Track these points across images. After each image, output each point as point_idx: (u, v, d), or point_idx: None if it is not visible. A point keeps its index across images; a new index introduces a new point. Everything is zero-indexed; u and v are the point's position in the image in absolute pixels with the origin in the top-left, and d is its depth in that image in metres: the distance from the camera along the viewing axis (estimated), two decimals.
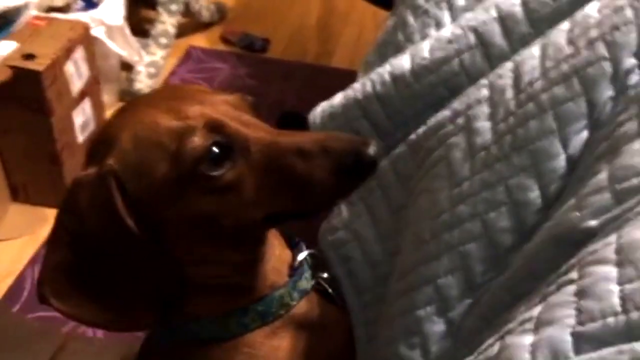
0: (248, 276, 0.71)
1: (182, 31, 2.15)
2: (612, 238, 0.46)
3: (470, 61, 0.77)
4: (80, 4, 1.73)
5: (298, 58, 2.18)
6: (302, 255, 0.77)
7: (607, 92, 0.60)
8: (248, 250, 0.71)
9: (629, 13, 0.61)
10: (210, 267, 0.69)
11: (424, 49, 0.81)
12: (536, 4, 0.74)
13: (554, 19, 0.71)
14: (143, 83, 1.90)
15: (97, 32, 1.67)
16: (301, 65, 2.13)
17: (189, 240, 0.66)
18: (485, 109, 0.68)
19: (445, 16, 0.89)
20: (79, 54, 1.52)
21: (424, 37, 0.87)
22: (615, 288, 0.42)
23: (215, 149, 0.61)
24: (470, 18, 0.79)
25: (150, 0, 2.06)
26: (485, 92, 0.70)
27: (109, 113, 1.62)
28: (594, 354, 0.40)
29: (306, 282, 0.76)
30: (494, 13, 0.77)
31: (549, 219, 0.58)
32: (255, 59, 2.16)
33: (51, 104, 1.43)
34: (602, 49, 0.61)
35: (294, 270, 0.75)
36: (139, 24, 2.10)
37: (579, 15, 0.66)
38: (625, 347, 0.39)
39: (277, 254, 0.75)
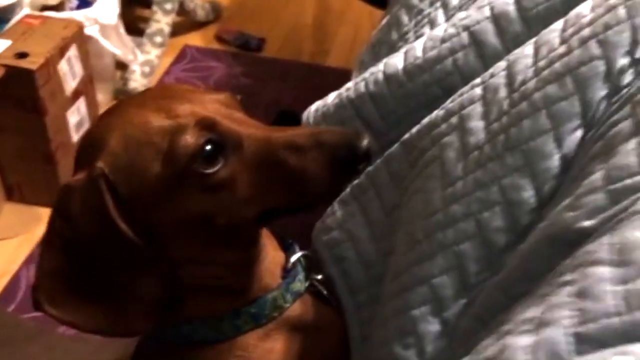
0: (241, 278, 0.71)
1: (177, 30, 2.14)
2: (608, 239, 0.46)
3: (463, 60, 0.77)
4: (74, 2, 1.73)
5: (293, 57, 2.17)
6: (295, 257, 0.77)
7: (600, 91, 0.60)
8: (242, 249, 0.70)
9: (621, 12, 0.61)
10: (203, 268, 0.69)
11: (418, 48, 0.80)
12: (529, 2, 0.74)
13: (547, 18, 0.71)
14: (137, 82, 1.90)
15: (91, 30, 1.66)
16: (297, 65, 2.13)
17: (182, 241, 0.65)
18: (478, 109, 0.68)
19: (440, 15, 0.89)
20: (73, 52, 1.51)
21: (418, 36, 0.87)
22: (613, 289, 0.42)
23: (208, 147, 0.61)
24: (463, 17, 0.79)
25: None
26: (478, 91, 0.69)
27: None
28: (593, 355, 0.40)
29: (300, 284, 0.76)
30: (487, 12, 0.77)
31: (543, 219, 0.58)
32: (250, 58, 2.16)
33: (45, 103, 1.43)
34: (595, 48, 0.60)
35: (287, 272, 0.75)
36: (134, 22, 2.10)
37: (572, 14, 0.66)
38: (625, 348, 0.39)
39: (270, 255, 0.74)
